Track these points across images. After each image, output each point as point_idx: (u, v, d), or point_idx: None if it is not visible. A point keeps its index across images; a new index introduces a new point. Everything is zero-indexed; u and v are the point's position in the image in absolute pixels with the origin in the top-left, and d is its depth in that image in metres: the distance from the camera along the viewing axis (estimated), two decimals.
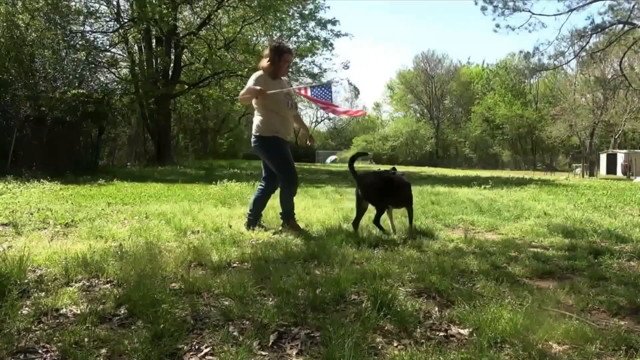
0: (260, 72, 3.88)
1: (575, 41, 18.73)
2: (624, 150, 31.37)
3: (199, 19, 18.80)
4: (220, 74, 19.08)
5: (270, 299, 2.17)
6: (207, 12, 17.77)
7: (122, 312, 1.99)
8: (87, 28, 16.19)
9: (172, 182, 10.01)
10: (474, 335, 1.81)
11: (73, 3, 15.02)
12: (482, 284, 2.44)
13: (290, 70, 20.78)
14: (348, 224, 4.27)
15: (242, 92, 3.88)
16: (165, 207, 5.21)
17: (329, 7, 19.32)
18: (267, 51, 3.96)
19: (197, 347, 1.69)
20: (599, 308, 2.17)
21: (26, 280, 2.31)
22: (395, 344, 1.75)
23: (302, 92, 4.17)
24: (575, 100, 34.25)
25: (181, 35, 18.09)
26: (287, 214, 3.98)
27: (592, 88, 32.87)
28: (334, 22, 19.40)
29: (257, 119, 3.92)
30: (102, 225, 3.94)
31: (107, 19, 17.42)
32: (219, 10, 17.86)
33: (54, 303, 2.02)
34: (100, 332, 1.77)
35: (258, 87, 3.69)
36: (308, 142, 4.32)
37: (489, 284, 2.43)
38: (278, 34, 20.39)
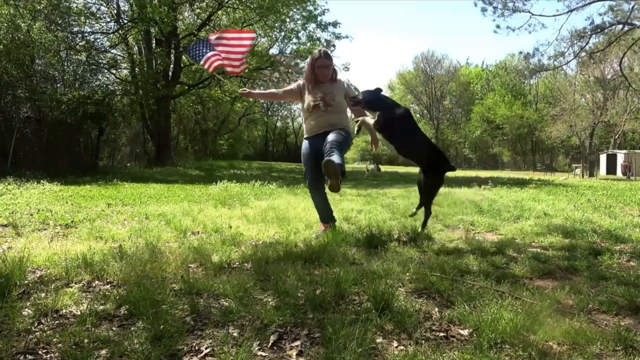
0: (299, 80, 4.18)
1: (575, 42, 18.74)
2: (624, 151, 31.38)
3: (199, 20, 18.81)
4: (220, 74, 19.08)
5: (270, 299, 2.17)
6: (207, 13, 17.78)
7: (122, 312, 1.99)
8: (87, 29, 16.22)
9: (172, 182, 10.02)
10: (474, 335, 1.81)
11: (74, 5, 15.03)
12: (482, 284, 2.44)
13: (289, 70, 20.89)
14: (348, 224, 4.28)
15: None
16: (165, 208, 5.21)
17: (328, 10, 19.25)
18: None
19: (197, 347, 1.69)
20: (599, 308, 2.17)
21: (26, 281, 2.31)
22: (395, 344, 1.75)
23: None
24: (575, 101, 34.28)
25: (181, 36, 18.10)
26: (322, 219, 3.98)
27: (592, 88, 32.90)
28: (334, 25, 19.41)
29: None
30: (102, 226, 3.94)
31: (107, 20, 17.44)
32: (219, 12, 17.87)
33: (54, 304, 2.02)
34: (101, 333, 1.77)
35: (240, 90, 4.04)
36: (373, 148, 4.22)
37: (489, 284, 2.43)
38: (278, 35, 20.44)
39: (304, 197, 6.59)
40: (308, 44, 19.83)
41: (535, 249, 3.44)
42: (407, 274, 2.60)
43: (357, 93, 3.98)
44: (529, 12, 17.02)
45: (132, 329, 1.82)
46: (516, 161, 45.83)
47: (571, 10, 16.76)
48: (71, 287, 2.29)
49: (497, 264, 2.90)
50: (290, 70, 20.81)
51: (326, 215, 3.97)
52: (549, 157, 47.27)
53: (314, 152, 3.76)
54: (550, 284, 2.55)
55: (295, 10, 18.55)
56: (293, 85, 4.14)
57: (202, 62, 3.80)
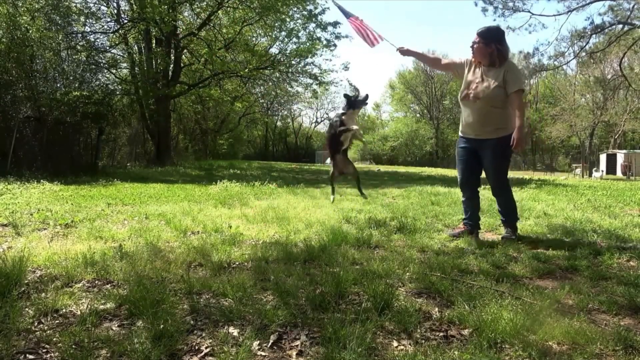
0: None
1: (575, 41, 18.80)
2: (624, 151, 31.37)
3: (199, 20, 18.81)
4: (220, 74, 19.09)
5: (270, 299, 2.17)
6: (207, 13, 17.77)
7: (122, 312, 1.99)
8: (87, 29, 16.21)
9: (172, 182, 10.01)
10: (474, 335, 1.81)
11: (73, 4, 15.01)
12: (482, 284, 2.44)
13: (289, 70, 20.83)
14: (349, 224, 4.27)
15: None
16: (165, 208, 5.20)
17: (328, 8, 19.11)
18: None
19: (197, 347, 1.69)
20: (599, 308, 2.17)
21: (26, 281, 2.31)
22: (395, 344, 1.75)
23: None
24: (575, 101, 34.29)
25: (181, 36, 18.09)
26: (465, 220, 3.83)
27: (592, 88, 32.92)
28: (334, 25, 19.39)
29: None
30: (102, 225, 3.94)
31: (108, 20, 17.43)
32: (219, 11, 17.86)
33: (54, 304, 2.02)
34: (101, 333, 1.77)
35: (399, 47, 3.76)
36: (514, 146, 3.38)
37: (488, 284, 2.43)
38: (279, 35, 20.43)
39: (304, 197, 6.59)
40: (308, 43, 19.81)
41: (535, 249, 3.43)
42: (407, 274, 2.60)
43: (492, 80, 3.34)
44: (529, 12, 17.11)
45: (132, 328, 1.82)
46: (516, 161, 45.77)
47: (571, 10, 16.82)
48: (71, 287, 2.29)
49: (497, 263, 2.90)
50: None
51: (471, 218, 3.80)
52: (549, 157, 47.24)
53: (466, 151, 3.58)
54: (550, 284, 2.55)
55: (295, 9, 18.52)
56: (459, 59, 3.53)
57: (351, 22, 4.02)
